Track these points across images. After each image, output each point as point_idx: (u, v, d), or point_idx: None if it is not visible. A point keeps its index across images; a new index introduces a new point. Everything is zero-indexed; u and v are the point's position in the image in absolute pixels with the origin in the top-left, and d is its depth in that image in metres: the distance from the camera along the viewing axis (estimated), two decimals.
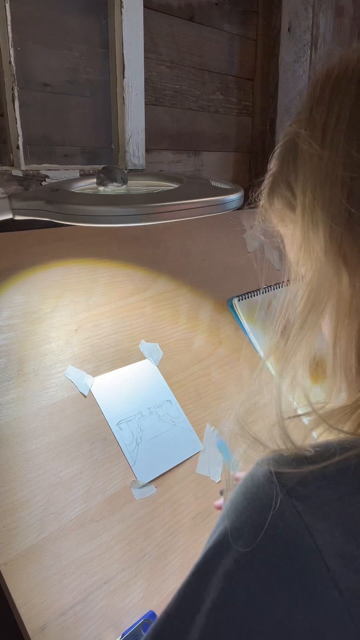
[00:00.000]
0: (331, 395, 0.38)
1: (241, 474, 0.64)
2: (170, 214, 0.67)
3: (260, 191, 0.42)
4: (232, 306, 0.95)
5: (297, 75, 1.37)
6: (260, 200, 0.43)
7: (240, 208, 0.79)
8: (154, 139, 1.13)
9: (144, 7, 1.01)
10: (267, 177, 0.41)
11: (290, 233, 0.39)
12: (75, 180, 0.86)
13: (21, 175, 0.88)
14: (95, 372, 0.71)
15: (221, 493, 0.71)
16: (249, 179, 1.42)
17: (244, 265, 1.03)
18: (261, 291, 1.00)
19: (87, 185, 0.84)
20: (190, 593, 0.33)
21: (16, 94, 0.86)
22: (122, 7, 0.97)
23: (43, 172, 0.91)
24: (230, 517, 0.34)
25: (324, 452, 0.32)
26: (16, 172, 0.88)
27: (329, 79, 0.34)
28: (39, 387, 0.65)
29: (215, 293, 0.94)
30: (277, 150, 0.40)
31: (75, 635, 0.53)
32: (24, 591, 0.53)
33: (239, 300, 0.96)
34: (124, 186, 0.81)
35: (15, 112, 0.87)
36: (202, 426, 0.76)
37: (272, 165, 0.40)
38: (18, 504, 0.56)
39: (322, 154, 0.33)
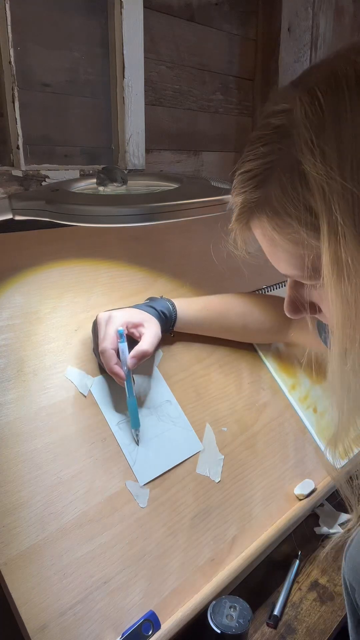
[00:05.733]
0: None
1: None
2: (170, 214, 0.67)
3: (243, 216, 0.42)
4: None
5: (297, 75, 1.37)
6: (238, 224, 0.43)
7: None
8: (154, 139, 1.13)
9: (144, 7, 1.01)
10: (254, 202, 0.40)
11: (300, 253, 0.39)
12: (75, 180, 0.86)
13: (21, 176, 0.88)
14: (95, 372, 0.71)
15: None
16: None
17: (244, 265, 1.03)
18: (261, 291, 1.00)
19: (87, 185, 0.84)
20: None
21: (16, 94, 0.86)
22: (122, 7, 0.98)
23: (43, 172, 0.92)
24: None
25: None
26: (16, 172, 0.88)
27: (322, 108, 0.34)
28: (38, 387, 0.65)
29: (215, 293, 0.94)
30: (260, 176, 0.39)
31: (75, 635, 0.53)
32: (24, 591, 0.53)
33: None
34: (124, 186, 0.81)
35: (15, 112, 0.87)
36: (202, 426, 0.76)
37: (261, 192, 0.39)
38: (18, 504, 0.56)
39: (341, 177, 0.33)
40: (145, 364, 0.76)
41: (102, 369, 0.71)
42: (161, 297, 0.80)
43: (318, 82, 0.35)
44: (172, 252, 0.93)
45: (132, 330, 0.71)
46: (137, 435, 0.69)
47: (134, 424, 0.69)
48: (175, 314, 0.78)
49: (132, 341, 0.70)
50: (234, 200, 0.43)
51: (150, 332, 0.70)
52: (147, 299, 0.79)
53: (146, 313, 0.73)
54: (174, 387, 0.77)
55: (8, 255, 0.73)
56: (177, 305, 0.79)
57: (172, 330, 0.79)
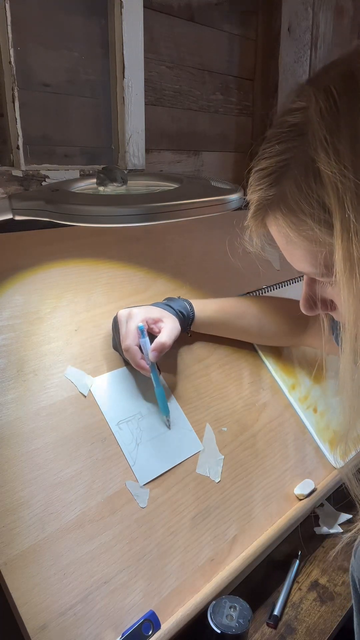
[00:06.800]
0: None
1: None
2: (170, 214, 0.67)
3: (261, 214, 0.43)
4: None
5: (297, 75, 1.37)
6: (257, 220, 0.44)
7: (240, 208, 0.79)
8: (154, 139, 1.13)
9: (144, 7, 1.01)
10: (269, 200, 0.41)
11: (314, 250, 0.40)
12: (75, 180, 0.86)
13: (21, 175, 0.88)
14: (95, 372, 0.71)
15: None
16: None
17: (244, 265, 1.03)
18: (261, 291, 1.00)
19: (87, 185, 0.84)
20: None
21: (16, 94, 0.86)
22: (122, 7, 0.98)
23: (43, 172, 0.92)
24: None
25: None
26: (16, 172, 0.88)
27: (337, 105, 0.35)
28: (38, 387, 0.65)
29: (215, 293, 0.94)
30: (276, 174, 0.39)
31: (75, 635, 0.53)
32: (24, 591, 0.53)
33: None
34: (124, 186, 0.81)
35: (15, 112, 0.87)
36: (202, 426, 0.76)
37: (276, 189, 0.40)
38: (18, 504, 0.56)
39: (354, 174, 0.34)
40: None
41: (126, 362, 0.73)
42: (178, 297, 0.81)
43: (334, 81, 0.35)
44: (172, 252, 0.93)
45: (152, 325, 0.73)
46: (168, 421, 0.72)
47: (165, 411, 0.72)
48: (193, 313, 0.79)
49: (153, 337, 0.72)
50: (249, 197, 0.43)
51: (169, 326, 0.72)
52: (165, 299, 0.81)
53: (164, 310, 0.75)
54: (174, 387, 0.77)
55: (8, 255, 0.73)
56: (194, 305, 0.80)
57: (189, 330, 0.81)
